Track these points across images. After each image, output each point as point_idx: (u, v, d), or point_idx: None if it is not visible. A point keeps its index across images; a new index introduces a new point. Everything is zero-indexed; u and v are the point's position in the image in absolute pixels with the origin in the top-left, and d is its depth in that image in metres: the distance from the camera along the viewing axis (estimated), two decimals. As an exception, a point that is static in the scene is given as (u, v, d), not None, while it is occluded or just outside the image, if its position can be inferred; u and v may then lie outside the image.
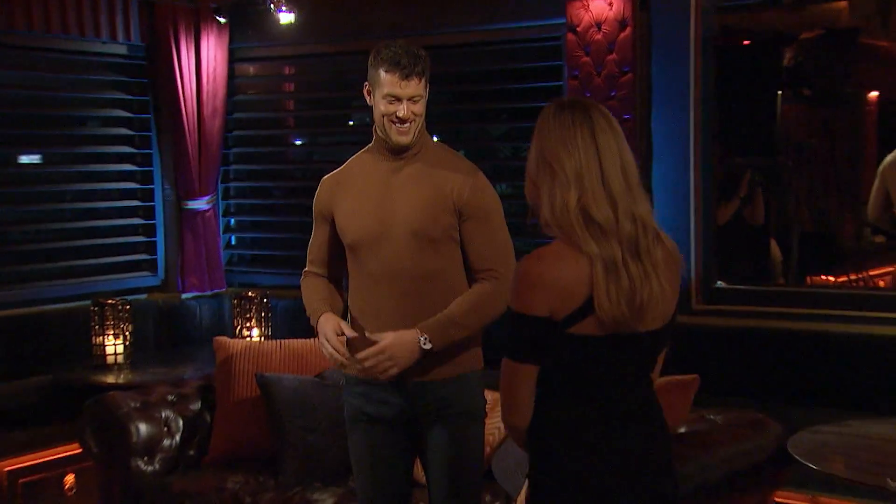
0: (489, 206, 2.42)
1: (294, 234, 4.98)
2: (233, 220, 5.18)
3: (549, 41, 4.21)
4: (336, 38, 4.70)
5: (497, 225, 2.43)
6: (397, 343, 2.27)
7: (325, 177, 2.56)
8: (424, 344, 2.27)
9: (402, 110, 2.37)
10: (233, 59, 4.97)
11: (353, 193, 2.47)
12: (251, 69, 5.10)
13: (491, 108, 4.51)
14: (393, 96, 2.38)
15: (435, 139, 2.58)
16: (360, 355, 2.25)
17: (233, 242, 5.18)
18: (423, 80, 2.40)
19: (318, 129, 5.12)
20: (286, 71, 5.10)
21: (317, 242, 2.57)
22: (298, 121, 5.21)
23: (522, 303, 1.65)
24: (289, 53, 4.93)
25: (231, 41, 4.90)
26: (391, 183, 2.43)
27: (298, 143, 5.16)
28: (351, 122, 5.02)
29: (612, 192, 1.67)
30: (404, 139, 2.43)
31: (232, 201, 5.14)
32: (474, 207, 2.42)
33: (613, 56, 3.93)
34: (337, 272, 2.56)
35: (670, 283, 1.74)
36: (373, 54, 2.43)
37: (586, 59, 3.99)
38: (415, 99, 2.39)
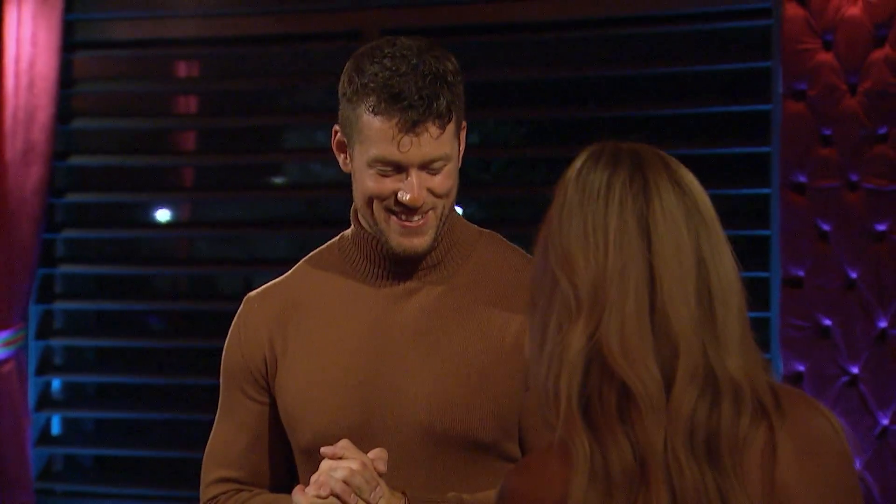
0: None
1: (186, 412, 4.99)
2: (57, 383, 5.04)
3: (743, 18, 4.36)
4: (275, 7, 4.84)
5: None
6: None
7: (251, 295, 2.66)
8: None
9: (408, 190, 2.44)
10: (70, 43, 4.92)
11: (314, 340, 2.56)
12: (105, 66, 5.08)
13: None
14: (389, 163, 2.43)
15: (478, 229, 2.67)
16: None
17: (56, 431, 5.03)
18: (450, 125, 2.45)
19: (235, 193, 5.28)
20: (179, 71, 5.16)
21: (230, 434, 2.65)
22: (203, 175, 5.27)
23: None
24: (183, 36, 4.94)
25: (68, 8, 4.85)
26: (392, 325, 2.52)
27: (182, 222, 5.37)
28: (278, 181, 5.29)
29: (670, 326, 1.71)
30: (417, 243, 2.50)
31: (57, 342, 5.00)
32: None
33: (886, 51, 3.96)
34: (271, 484, 2.63)
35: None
36: (348, 72, 2.49)
37: (826, 55, 4.03)
38: (434, 166, 2.44)
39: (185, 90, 5.23)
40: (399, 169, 2.42)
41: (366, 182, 2.45)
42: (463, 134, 2.52)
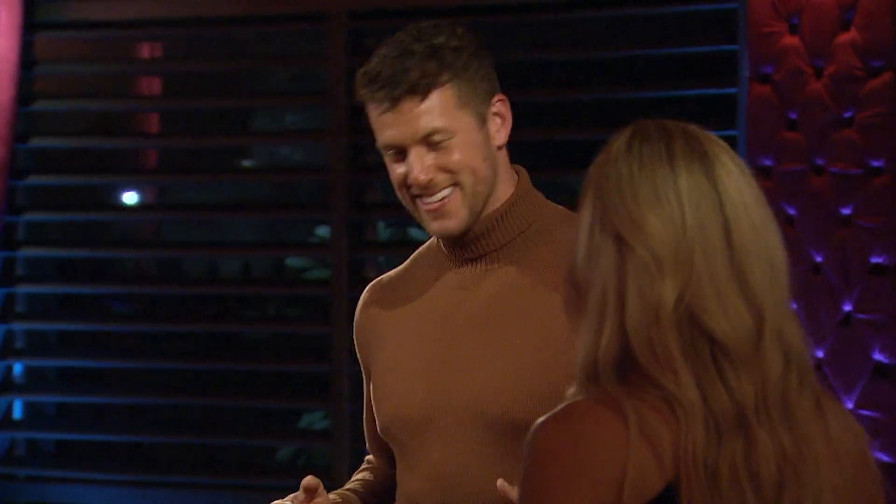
0: None
1: (149, 396, 4.98)
2: (19, 367, 5.03)
3: (708, 2, 4.39)
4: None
5: None
6: None
7: (374, 282, 2.73)
8: None
9: (409, 170, 2.45)
10: (31, 24, 4.89)
11: (398, 326, 2.61)
12: (67, 47, 5.09)
13: (578, 140, 4.67)
14: (390, 146, 2.47)
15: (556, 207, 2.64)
16: None
17: (17, 415, 5.03)
18: (438, 95, 2.44)
19: (201, 175, 5.24)
20: (143, 52, 5.14)
21: (368, 410, 2.73)
22: (168, 158, 5.26)
23: (544, 501, 1.77)
24: (146, 17, 4.92)
25: (31, -11, 4.90)
26: (460, 310, 2.54)
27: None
28: (246, 163, 5.24)
29: (748, 283, 1.75)
30: (447, 225, 2.50)
31: (19, 326, 5.00)
32: None
33: (852, 35, 3.94)
34: (384, 458, 2.75)
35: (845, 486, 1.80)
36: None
37: (792, 39, 4.02)
38: (434, 139, 2.43)
39: (149, 71, 5.21)
40: (400, 151, 2.43)
41: (390, 171, 2.49)
42: (498, 107, 2.49)
